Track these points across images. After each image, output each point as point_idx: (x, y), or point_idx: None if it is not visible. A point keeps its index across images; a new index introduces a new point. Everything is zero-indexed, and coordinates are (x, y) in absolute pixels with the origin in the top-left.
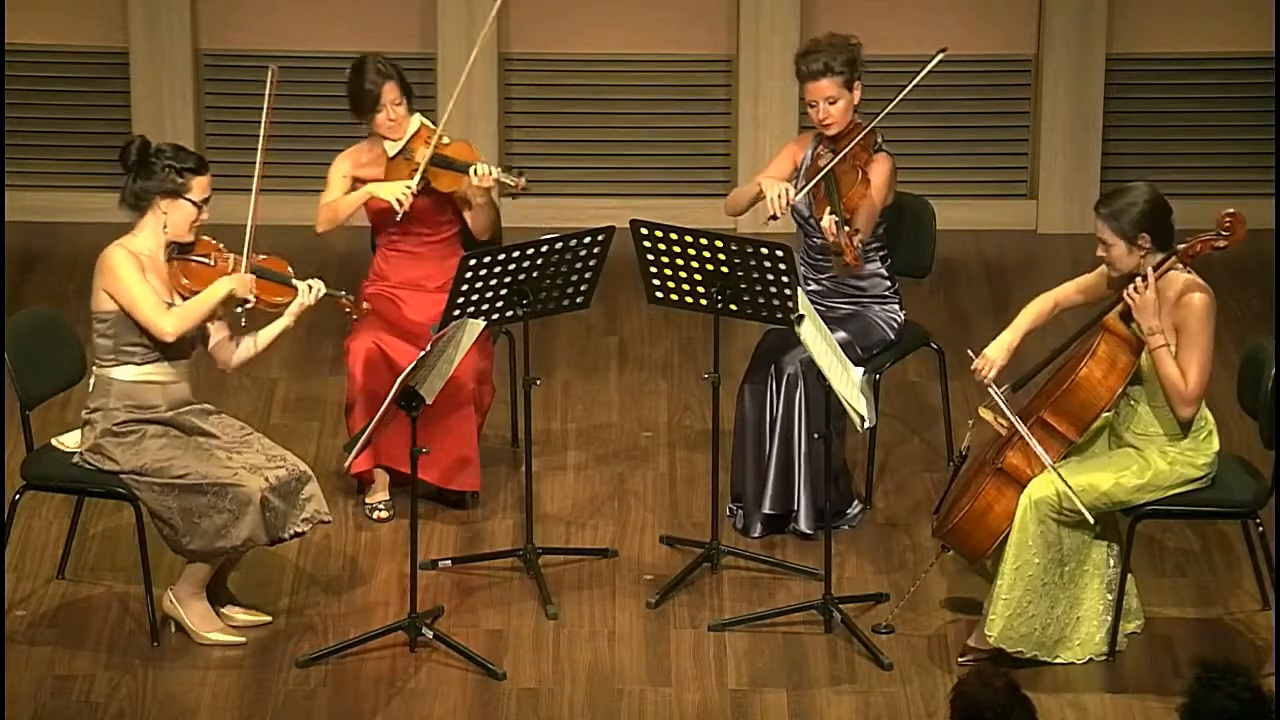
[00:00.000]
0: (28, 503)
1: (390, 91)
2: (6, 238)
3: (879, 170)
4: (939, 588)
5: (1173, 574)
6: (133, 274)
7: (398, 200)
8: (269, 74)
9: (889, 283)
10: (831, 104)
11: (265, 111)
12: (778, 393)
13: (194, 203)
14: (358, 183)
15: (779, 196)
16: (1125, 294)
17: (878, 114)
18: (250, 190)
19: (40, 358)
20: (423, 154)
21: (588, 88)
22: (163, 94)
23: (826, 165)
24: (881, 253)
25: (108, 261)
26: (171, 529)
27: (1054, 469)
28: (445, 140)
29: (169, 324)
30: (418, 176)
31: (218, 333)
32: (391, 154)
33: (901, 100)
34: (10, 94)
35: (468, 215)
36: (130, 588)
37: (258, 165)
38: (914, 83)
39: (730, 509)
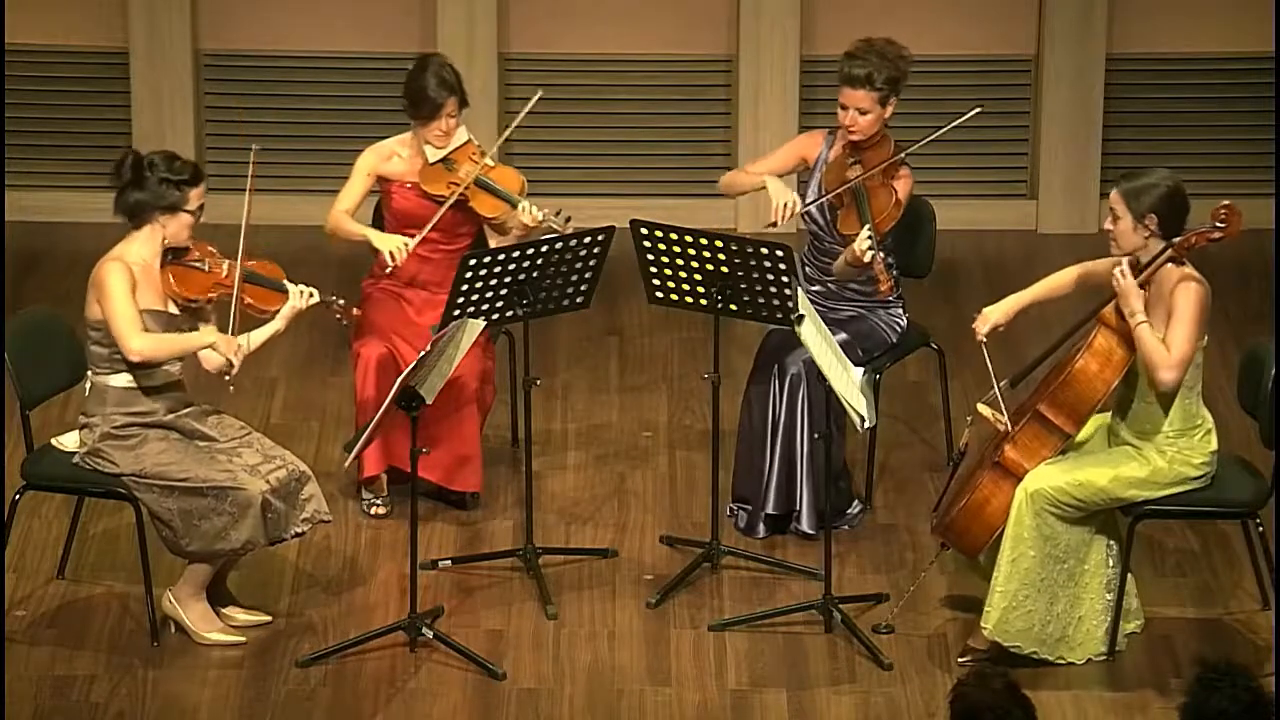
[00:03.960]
0: (28, 503)
1: (451, 105)
2: (6, 238)
3: (904, 187)
4: (939, 587)
5: (1173, 574)
6: (121, 289)
7: (391, 254)
8: (251, 153)
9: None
10: (862, 114)
11: (248, 191)
12: (781, 393)
13: (191, 213)
14: (381, 180)
15: (785, 207)
16: (1112, 273)
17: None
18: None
19: (40, 358)
20: (467, 170)
21: (588, 88)
22: (163, 94)
23: (856, 179)
24: (888, 260)
25: (100, 275)
26: (171, 530)
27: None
28: (490, 162)
29: (138, 344)
30: (452, 199)
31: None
32: (432, 160)
33: (931, 141)
34: (10, 94)
35: (493, 241)
36: (130, 588)
37: (244, 225)
38: (941, 132)
39: (731, 509)
